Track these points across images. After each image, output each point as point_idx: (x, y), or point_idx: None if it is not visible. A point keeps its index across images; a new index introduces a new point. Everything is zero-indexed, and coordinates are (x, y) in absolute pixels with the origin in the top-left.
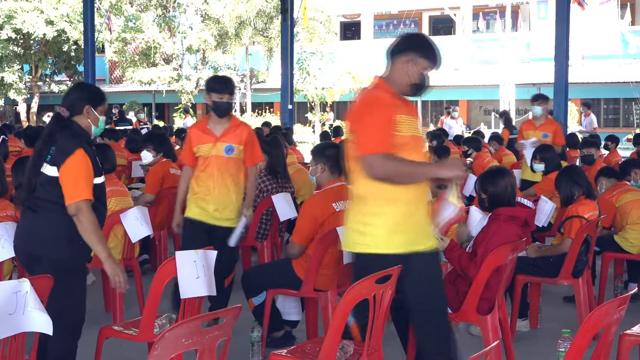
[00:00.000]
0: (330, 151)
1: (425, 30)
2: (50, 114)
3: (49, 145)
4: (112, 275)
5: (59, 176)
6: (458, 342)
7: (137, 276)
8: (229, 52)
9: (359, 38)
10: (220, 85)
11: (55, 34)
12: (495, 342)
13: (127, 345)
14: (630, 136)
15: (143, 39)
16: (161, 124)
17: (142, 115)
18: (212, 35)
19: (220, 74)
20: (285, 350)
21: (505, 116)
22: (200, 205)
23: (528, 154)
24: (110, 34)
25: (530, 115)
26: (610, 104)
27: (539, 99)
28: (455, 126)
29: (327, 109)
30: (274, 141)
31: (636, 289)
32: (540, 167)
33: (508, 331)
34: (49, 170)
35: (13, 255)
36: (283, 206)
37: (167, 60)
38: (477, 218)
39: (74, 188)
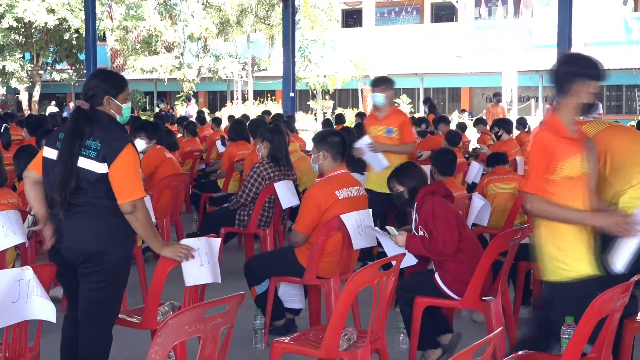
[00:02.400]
0: (332, 139)
1: (427, 17)
2: (54, 102)
3: (80, 140)
4: (176, 256)
5: (110, 174)
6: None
7: (140, 264)
8: (230, 40)
9: (360, 25)
10: None
11: (57, 22)
12: (499, 329)
13: (130, 333)
14: (633, 123)
15: (144, 27)
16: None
17: (163, 105)
18: (213, 23)
19: (221, 61)
20: (288, 337)
21: (429, 102)
22: None
23: (370, 159)
24: (112, 22)
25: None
26: (613, 90)
27: (380, 84)
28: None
29: (327, 97)
30: (276, 129)
31: None
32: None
33: (511, 318)
34: (95, 167)
35: (16, 243)
36: (285, 194)
37: (169, 49)
38: (479, 205)
39: (129, 186)
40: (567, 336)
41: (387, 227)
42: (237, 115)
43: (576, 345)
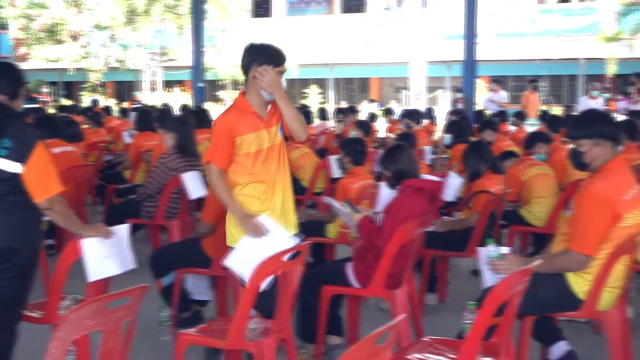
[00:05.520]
0: None
1: (337, 7)
2: None
3: None
4: (99, 234)
5: (24, 173)
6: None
7: (43, 260)
8: (138, 29)
9: (270, 16)
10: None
11: None
12: (402, 316)
13: (32, 328)
14: (539, 112)
15: (49, 15)
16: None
17: (136, 94)
18: (121, 12)
19: (129, 51)
20: (194, 329)
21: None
22: None
23: None
24: (14, 10)
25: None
26: (518, 81)
27: None
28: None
29: (239, 87)
30: (182, 119)
31: None
32: None
33: (417, 305)
34: (8, 166)
35: None
36: (193, 185)
37: (75, 38)
38: (387, 193)
39: (45, 184)
40: (469, 321)
41: (344, 201)
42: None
43: (478, 330)
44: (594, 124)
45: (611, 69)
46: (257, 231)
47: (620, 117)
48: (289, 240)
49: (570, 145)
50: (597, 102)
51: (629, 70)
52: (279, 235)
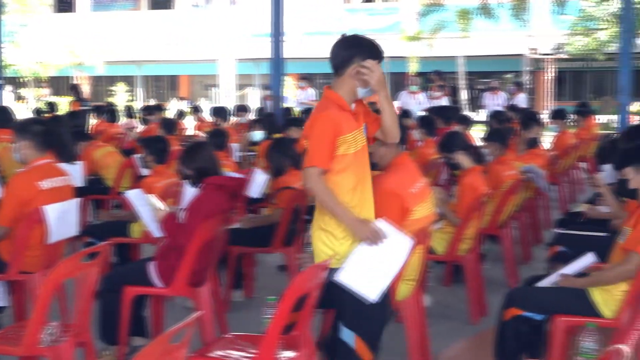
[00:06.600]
0: (35, 127)
1: (144, 3)
2: None
3: None
4: None
5: None
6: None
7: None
8: None
9: (74, 11)
10: None
11: None
12: (198, 313)
13: None
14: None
15: None
16: None
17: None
18: None
19: None
20: None
21: (74, 89)
22: None
23: None
24: None
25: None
26: (326, 78)
27: None
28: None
29: (43, 85)
30: None
31: None
32: None
33: (221, 302)
34: None
35: None
36: None
37: None
38: (190, 191)
39: None
40: (268, 316)
41: (151, 199)
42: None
43: (277, 324)
44: None
45: (413, 67)
46: (376, 238)
47: (420, 113)
48: (408, 242)
49: None
50: (416, 97)
51: (429, 68)
52: (398, 239)
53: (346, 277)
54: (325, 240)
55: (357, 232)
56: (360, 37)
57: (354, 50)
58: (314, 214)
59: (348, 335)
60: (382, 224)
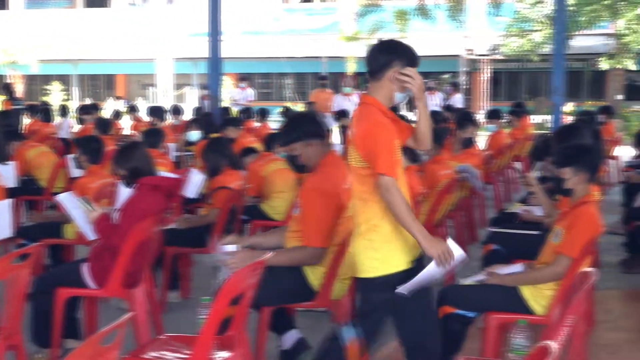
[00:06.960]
0: None
1: (79, 1)
2: None
3: None
4: None
5: None
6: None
7: None
8: None
9: (6, 8)
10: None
11: None
12: (129, 314)
13: None
14: (282, 109)
15: None
16: None
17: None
18: None
19: None
20: None
21: (7, 88)
22: None
23: None
24: None
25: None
26: (264, 78)
27: None
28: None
29: None
30: None
31: None
32: None
33: (156, 303)
34: None
35: None
36: None
37: None
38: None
39: None
40: (202, 316)
41: (82, 198)
42: None
43: (211, 324)
44: (301, 127)
45: (351, 67)
46: (447, 259)
47: None
48: (462, 258)
49: (284, 152)
50: (350, 99)
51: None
52: (458, 259)
53: (404, 289)
54: (375, 256)
55: (431, 249)
56: (398, 42)
57: (393, 55)
58: (359, 227)
59: (347, 332)
60: (451, 244)
